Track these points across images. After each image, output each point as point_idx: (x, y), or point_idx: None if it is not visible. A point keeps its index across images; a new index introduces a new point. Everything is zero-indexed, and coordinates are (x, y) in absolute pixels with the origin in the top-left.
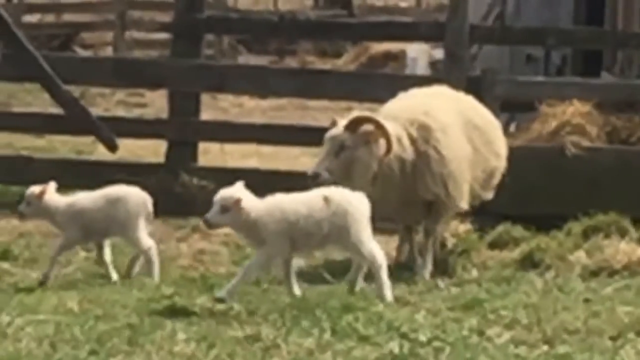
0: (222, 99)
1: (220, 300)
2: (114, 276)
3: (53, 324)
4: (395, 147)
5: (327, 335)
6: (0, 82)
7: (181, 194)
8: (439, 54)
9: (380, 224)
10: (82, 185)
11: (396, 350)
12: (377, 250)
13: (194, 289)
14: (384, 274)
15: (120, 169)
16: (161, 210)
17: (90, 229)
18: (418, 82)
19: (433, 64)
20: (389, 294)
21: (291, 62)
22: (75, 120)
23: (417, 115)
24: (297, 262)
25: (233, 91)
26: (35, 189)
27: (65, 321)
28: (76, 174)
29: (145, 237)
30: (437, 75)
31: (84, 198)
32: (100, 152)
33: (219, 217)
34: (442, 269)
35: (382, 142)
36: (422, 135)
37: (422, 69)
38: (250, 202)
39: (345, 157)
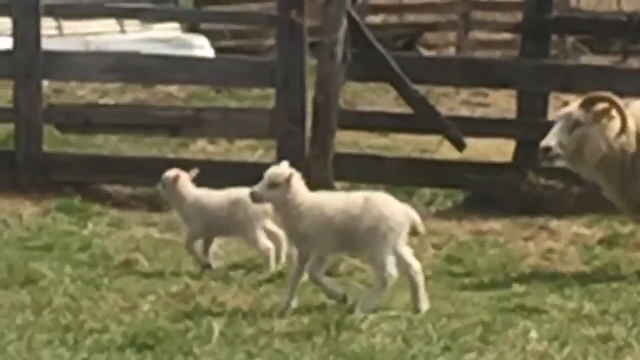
0: (566, 99)
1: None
2: None
3: (405, 320)
4: (622, 137)
5: None
6: (347, 82)
7: (528, 193)
8: None
9: None
10: (425, 184)
11: None
12: (412, 259)
13: (544, 288)
14: (419, 284)
15: (467, 168)
16: (508, 209)
17: (212, 226)
18: None
19: None
20: (424, 305)
21: (634, 63)
22: (423, 119)
23: None
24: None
25: (580, 91)
26: (171, 172)
27: (418, 318)
28: (423, 173)
29: (263, 239)
30: None
31: (209, 195)
32: (443, 152)
33: (267, 192)
34: None
35: (614, 125)
36: None
37: None
38: (300, 186)
39: (579, 133)
